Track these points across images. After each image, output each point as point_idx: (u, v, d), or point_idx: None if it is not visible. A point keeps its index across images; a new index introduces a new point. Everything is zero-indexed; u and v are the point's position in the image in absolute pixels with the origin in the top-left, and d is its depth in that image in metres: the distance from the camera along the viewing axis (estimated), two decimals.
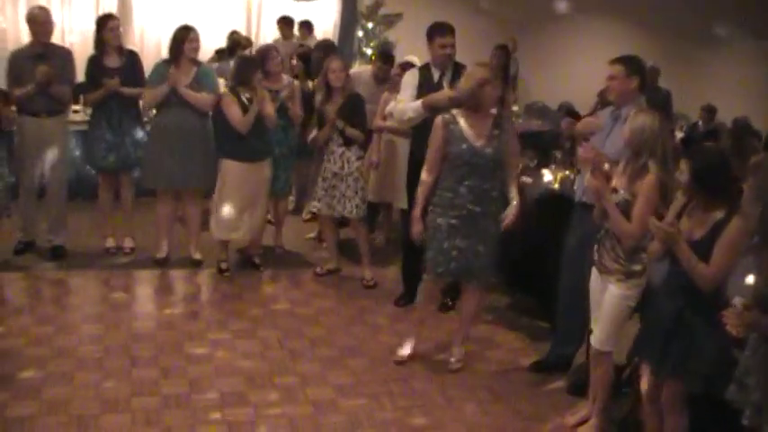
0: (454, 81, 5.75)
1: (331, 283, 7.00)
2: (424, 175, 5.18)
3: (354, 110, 6.71)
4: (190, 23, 6.98)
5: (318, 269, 7.17)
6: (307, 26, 11.10)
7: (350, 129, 6.61)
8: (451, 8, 11.06)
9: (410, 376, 5.28)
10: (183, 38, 6.78)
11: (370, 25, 11.28)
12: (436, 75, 6.03)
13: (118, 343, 5.51)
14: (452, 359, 5.49)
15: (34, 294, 6.52)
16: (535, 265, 6.00)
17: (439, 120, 5.11)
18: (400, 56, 8.53)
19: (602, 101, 7.85)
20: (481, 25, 11.33)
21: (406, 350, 5.51)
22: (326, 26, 11.61)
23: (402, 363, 5.44)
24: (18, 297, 6.47)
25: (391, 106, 7.36)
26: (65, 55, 7.10)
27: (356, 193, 6.73)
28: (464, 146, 5.00)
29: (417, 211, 5.19)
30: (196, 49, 6.82)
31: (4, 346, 5.37)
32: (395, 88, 7.32)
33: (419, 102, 5.79)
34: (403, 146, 7.46)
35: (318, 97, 6.89)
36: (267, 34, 11.51)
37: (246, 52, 8.80)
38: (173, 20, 9.74)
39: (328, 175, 6.76)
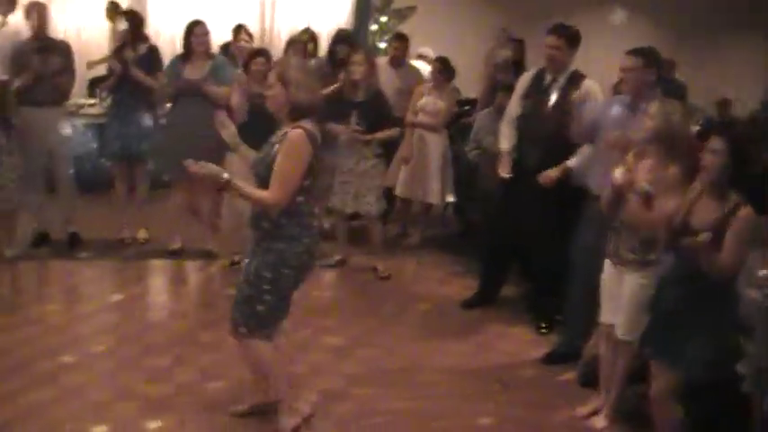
0: (567, 91, 5.56)
1: (341, 274, 7.05)
2: None
3: (378, 110, 6.68)
4: (201, 19, 7.03)
5: (326, 260, 7.19)
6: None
7: (379, 134, 6.62)
8: (465, 1, 11.09)
9: (421, 366, 5.29)
10: (190, 32, 6.86)
11: (383, 19, 11.27)
12: (547, 79, 5.69)
13: (132, 332, 5.57)
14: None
15: (50, 284, 6.60)
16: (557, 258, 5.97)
17: None
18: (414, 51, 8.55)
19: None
20: (494, 18, 11.32)
21: None
22: (339, 20, 11.59)
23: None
24: (34, 287, 6.57)
25: (423, 101, 7.40)
26: (64, 48, 7.23)
27: (370, 190, 6.74)
28: None
29: None
30: (203, 43, 6.87)
31: (20, 334, 5.42)
32: (436, 86, 7.39)
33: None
34: (435, 141, 7.52)
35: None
36: (282, 28, 11.51)
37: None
38: (187, 16, 9.77)
39: (344, 170, 6.78)
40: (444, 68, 7.58)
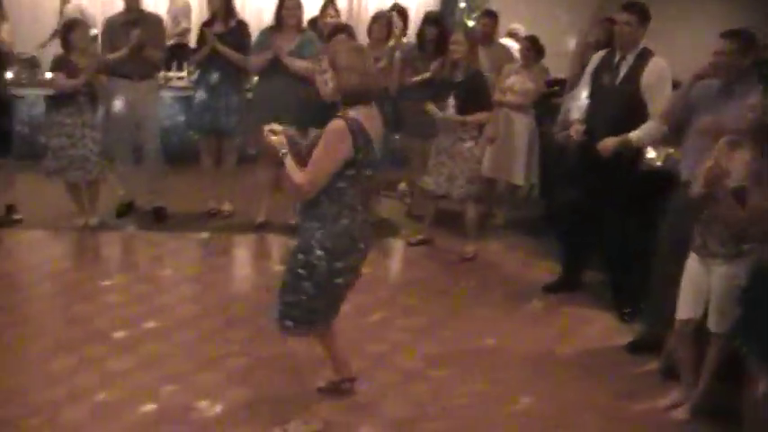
0: (636, 68, 5.49)
1: (425, 252, 7.00)
2: None
3: (476, 91, 6.56)
4: None
5: (411, 239, 7.17)
6: None
7: (471, 117, 6.51)
8: None
9: (501, 349, 5.23)
10: (281, 4, 6.86)
11: None
12: (617, 56, 5.65)
13: (214, 303, 5.62)
14: None
15: (134, 254, 6.72)
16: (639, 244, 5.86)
17: None
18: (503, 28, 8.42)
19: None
20: None
21: None
22: None
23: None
24: (119, 256, 6.69)
25: (511, 80, 7.30)
26: (156, 21, 7.34)
27: (463, 173, 6.64)
28: None
29: None
30: (294, 16, 6.84)
31: (104, 302, 5.53)
32: (525, 65, 7.29)
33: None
34: (522, 121, 7.41)
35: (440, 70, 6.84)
36: (369, 4, 11.46)
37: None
38: None
39: (440, 150, 6.72)
40: (533, 47, 7.46)
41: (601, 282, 6.31)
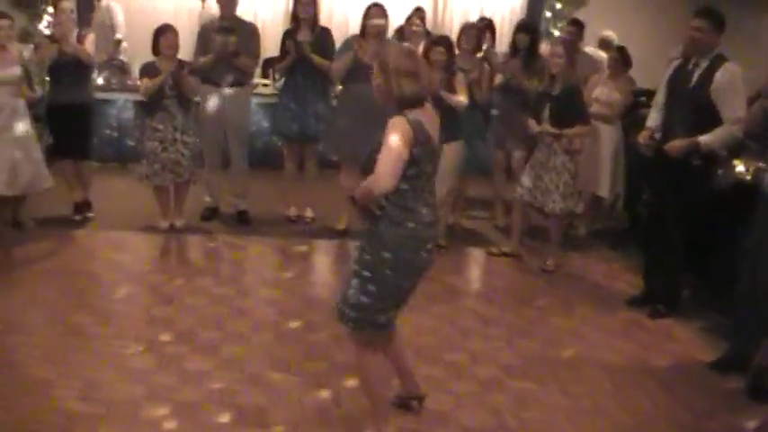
0: (707, 74, 5.43)
1: (505, 262, 6.93)
2: None
3: (572, 105, 6.49)
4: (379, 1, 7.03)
5: (494, 249, 7.12)
6: None
7: (567, 131, 6.45)
8: None
9: (580, 362, 5.14)
10: (366, 14, 6.89)
11: (558, 5, 11.04)
12: (691, 63, 5.61)
13: (293, 308, 5.66)
14: None
15: (217, 257, 6.80)
16: (723, 257, 5.74)
17: None
18: (589, 38, 8.30)
19: None
20: (675, 6, 10.83)
21: None
22: (513, 5, 11.43)
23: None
24: (202, 259, 6.79)
25: (598, 91, 7.21)
26: (251, 30, 7.40)
27: (557, 187, 6.56)
28: None
29: None
30: (377, 26, 6.84)
31: (185, 304, 5.62)
32: (613, 75, 7.21)
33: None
34: (607, 132, 7.31)
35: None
36: (455, 10, 11.45)
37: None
38: None
39: (536, 163, 6.66)
40: (622, 58, 7.35)
41: (687, 298, 6.17)
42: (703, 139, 5.36)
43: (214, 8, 9.96)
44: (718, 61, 5.44)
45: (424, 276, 3.84)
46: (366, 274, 3.68)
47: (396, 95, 3.58)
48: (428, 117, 3.66)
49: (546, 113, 6.50)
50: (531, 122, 6.61)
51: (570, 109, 6.44)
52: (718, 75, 5.36)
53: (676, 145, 5.44)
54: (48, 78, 7.35)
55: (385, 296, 3.72)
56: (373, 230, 3.67)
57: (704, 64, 5.48)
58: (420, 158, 3.56)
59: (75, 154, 7.27)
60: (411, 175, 3.57)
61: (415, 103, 3.60)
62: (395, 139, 3.46)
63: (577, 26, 7.90)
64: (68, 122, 7.09)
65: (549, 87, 6.58)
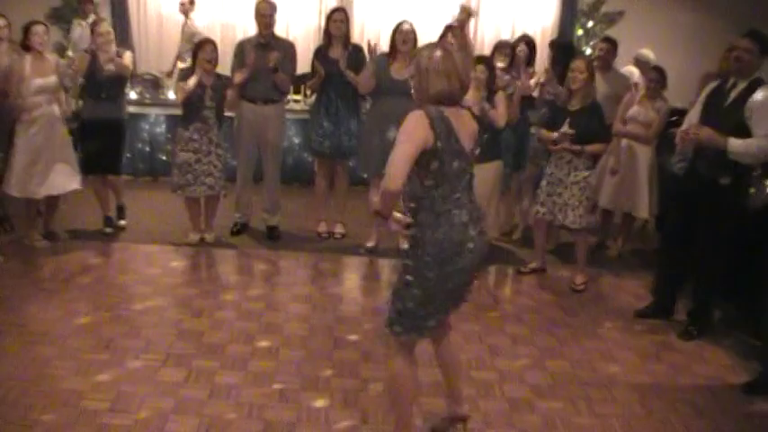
0: (744, 95, 5.41)
1: (536, 282, 6.90)
2: None
3: (592, 121, 6.43)
4: (407, 19, 7.07)
5: (522, 267, 7.10)
6: None
7: (588, 147, 6.39)
8: (678, 6, 10.61)
9: (610, 383, 5.09)
10: (395, 30, 6.93)
11: (590, 23, 11.02)
12: (729, 83, 5.60)
13: (323, 324, 5.66)
14: None
15: (247, 272, 6.81)
16: (754, 278, 5.69)
17: None
18: (621, 58, 8.26)
19: None
20: (709, 24, 10.78)
21: None
22: (545, 24, 11.42)
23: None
24: (232, 273, 6.80)
25: (635, 111, 7.16)
26: (288, 47, 7.41)
27: (580, 202, 6.52)
28: None
29: None
30: (406, 42, 6.85)
31: (215, 318, 5.65)
32: (650, 95, 7.16)
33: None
34: (645, 153, 7.27)
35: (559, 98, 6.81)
36: (487, 28, 11.46)
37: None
38: (392, 14, 9.93)
39: (554, 180, 6.62)
40: (661, 78, 7.29)
41: (718, 319, 6.11)
42: (732, 141, 5.30)
43: (198, 22, 10.20)
44: (756, 83, 5.40)
45: (472, 274, 3.82)
46: (409, 278, 3.68)
47: (425, 92, 3.62)
48: (459, 119, 3.66)
49: (565, 128, 6.44)
50: (546, 136, 6.59)
51: (590, 126, 6.38)
52: (754, 95, 5.32)
53: (706, 132, 5.39)
54: (82, 94, 7.45)
55: (430, 300, 3.71)
56: (413, 236, 3.67)
57: (742, 85, 5.44)
58: (443, 152, 3.55)
59: (105, 169, 7.37)
60: (434, 169, 3.57)
61: (445, 100, 3.61)
62: (402, 136, 3.50)
63: (610, 44, 7.86)
64: (102, 138, 7.18)
65: (566, 102, 6.56)
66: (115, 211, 7.61)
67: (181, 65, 9.26)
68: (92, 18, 9.51)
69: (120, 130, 7.41)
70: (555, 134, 6.43)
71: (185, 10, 10.25)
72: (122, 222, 7.60)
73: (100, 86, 7.07)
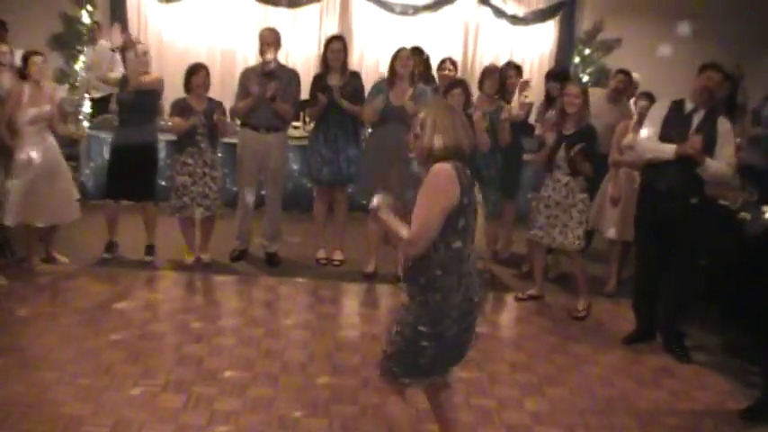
0: (706, 122, 5.70)
1: (535, 309, 6.90)
2: None
3: (586, 142, 6.44)
4: (405, 45, 7.13)
5: (520, 294, 7.10)
6: None
7: (581, 164, 6.41)
8: (675, 33, 10.67)
9: (610, 410, 5.09)
10: (395, 57, 6.97)
11: (587, 51, 11.09)
12: (688, 108, 5.84)
13: (322, 350, 5.66)
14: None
15: (246, 297, 6.82)
16: (753, 304, 5.70)
17: None
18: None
19: None
20: (705, 51, 10.83)
21: None
22: (543, 51, 11.50)
23: None
24: (231, 299, 6.81)
25: (629, 139, 7.15)
26: (291, 75, 7.45)
27: (579, 224, 6.56)
28: None
29: None
30: (406, 68, 6.92)
31: (215, 344, 5.64)
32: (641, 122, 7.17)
33: (671, 148, 5.69)
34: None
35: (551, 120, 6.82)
36: (485, 54, 11.52)
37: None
38: (391, 42, 9.99)
39: (551, 203, 6.64)
40: (651, 104, 7.31)
41: (717, 345, 6.12)
42: (709, 160, 5.60)
43: (199, 48, 10.24)
44: (717, 110, 5.81)
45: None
46: (424, 343, 3.51)
47: (427, 151, 3.46)
48: (462, 169, 3.50)
49: (560, 153, 6.49)
50: (542, 160, 6.66)
51: (585, 151, 6.41)
52: (719, 124, 5.68)
53: (695, 144, 5.59)
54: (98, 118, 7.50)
55: (444, 354, 3.60)
56: (428, 300, 3.49)
57: (703, 112, 5.76)
58: (465, 206, 3.42)
59: (137, 196, 7.35)
60: (461, 228, 3.44)
61: (447, 158, 3.44)
62: (430, 192, 3.35)
63: (628, 77, 7.87)
64: (133, 163, 7.16)
65: (560, 127, 6.58)
66: (144, 249, 7.47)
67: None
68: (103, 43, 9.58)
69: (152, 154, 7.38)
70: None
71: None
72: (149, 258, 7.43)
73: (130, 111, 7.12)
